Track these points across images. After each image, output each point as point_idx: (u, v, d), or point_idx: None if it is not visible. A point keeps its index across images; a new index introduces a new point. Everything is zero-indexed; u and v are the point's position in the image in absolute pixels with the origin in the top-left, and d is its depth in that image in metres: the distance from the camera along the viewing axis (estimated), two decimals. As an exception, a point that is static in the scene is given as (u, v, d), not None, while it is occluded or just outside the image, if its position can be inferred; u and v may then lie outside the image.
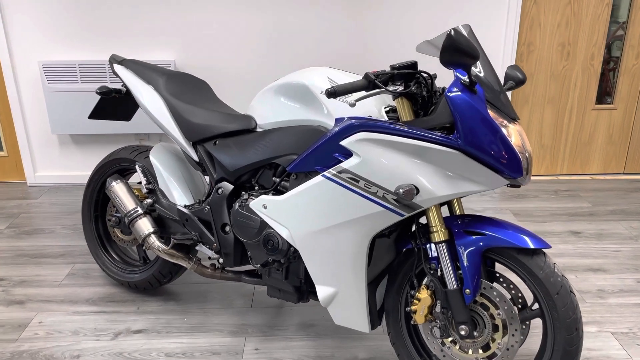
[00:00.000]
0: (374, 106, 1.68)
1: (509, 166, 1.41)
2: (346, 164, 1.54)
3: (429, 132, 1.45)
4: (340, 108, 1.68)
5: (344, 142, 1.54)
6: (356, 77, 1.75)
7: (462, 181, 1.45)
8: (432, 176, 1.46)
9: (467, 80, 1.43)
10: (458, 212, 1.68)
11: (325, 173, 1.58)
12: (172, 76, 2.12)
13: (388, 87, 1.52)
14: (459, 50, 1.29)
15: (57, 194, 3.48)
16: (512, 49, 3.29)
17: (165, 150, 2.18)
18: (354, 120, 1.53)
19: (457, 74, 1.48)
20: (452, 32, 1.29)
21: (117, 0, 3.27)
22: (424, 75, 1.55)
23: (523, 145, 1.45)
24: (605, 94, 3.59)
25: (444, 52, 1.31)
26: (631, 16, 3.38)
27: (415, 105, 1.56)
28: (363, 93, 1.64)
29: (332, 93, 1.45)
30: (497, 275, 1.63)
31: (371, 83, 1.48)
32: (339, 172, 1.55)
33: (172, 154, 2.19)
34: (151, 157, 2.13)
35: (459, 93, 1.42)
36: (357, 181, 1.53)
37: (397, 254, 1.76)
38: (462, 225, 1.57)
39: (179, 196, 2.08)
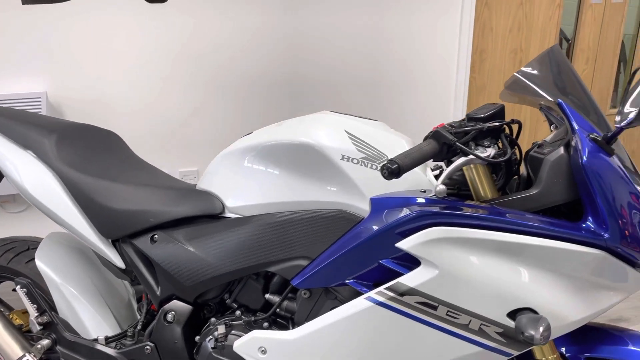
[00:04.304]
0: (418, 169, 1.09)
1: None
2: (411, 280, 0.97)
3: (550, 221, 0.94)
4: (372, 180, 1.07)
5: (404, 245, 0.97)
6: (379, 125, 1.16)
7: (598, 293, 1.00)
8: (561, 293, 0.96)
9: (601, 136, 0.93)
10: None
11: (373, 295, 0.99)
12: (65, 133, 1.34)
13: (477, 152, 0.95)
14: None
15: None
16: (466, 58, 2.85)
17: (61, 247, 1.41)
18: (417, 209, 0.95)
19: (576, 125, 0.96)
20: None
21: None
22: (513, 126, 1.03)
23: None
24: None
25: None
26: (580, 18, 3.13)
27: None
28: (425, 165, 1.04)
29: (396, 172, 0.87)
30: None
31: (446, 146, 0.92)
32: (400, 293, 0.96)
33: (73, 250, 1.42)
34: (38, 263, 1.34)
35: (599, 158, 0.91)
36: (435, 308, 0.97)
37: None
38: (576, 346, 1.11)
39: (93, 324, 1.32)
